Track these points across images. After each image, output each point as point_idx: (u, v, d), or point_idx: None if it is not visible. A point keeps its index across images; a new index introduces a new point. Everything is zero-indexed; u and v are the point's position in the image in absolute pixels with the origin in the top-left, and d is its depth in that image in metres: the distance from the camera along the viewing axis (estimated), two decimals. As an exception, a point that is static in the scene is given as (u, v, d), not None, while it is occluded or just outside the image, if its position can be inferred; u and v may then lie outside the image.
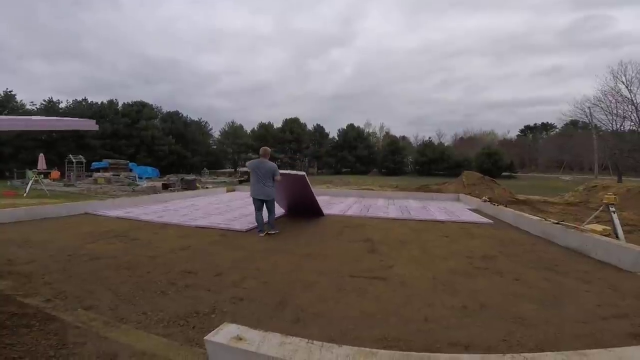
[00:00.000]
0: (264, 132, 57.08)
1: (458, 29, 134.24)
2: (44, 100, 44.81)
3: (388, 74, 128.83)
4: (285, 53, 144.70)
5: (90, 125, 3.53)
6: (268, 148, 6.11)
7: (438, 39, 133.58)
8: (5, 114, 40.93)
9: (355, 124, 63.80)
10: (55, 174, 25.23)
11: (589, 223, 5.77)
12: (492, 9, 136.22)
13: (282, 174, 6.06)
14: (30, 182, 16.55)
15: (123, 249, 4.79)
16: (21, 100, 42.61)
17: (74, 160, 26.05)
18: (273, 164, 5.80)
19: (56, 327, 2.36)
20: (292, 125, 58.28)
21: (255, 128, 60.34)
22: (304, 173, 6.69)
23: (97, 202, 9.43)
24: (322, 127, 63.15)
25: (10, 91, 41.78)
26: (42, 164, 17.41)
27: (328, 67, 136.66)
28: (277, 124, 60.43)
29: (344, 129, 62.46)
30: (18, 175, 26.20)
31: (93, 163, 30.54)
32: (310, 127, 62.02)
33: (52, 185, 19.33)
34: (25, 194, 14.44)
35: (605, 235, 4.87)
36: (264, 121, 60.82)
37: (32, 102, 43.93)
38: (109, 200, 10.14)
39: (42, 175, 19.15)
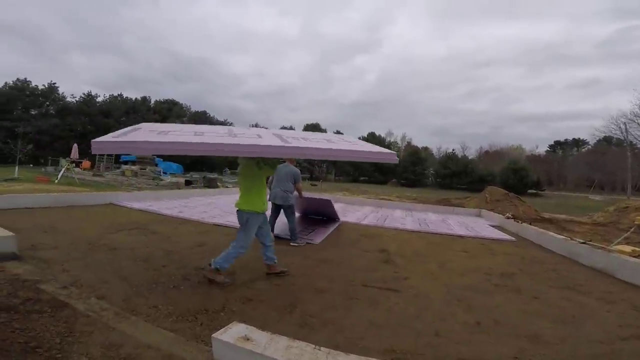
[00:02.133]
0: (286, 136, 57.68)
1: (489, 37, 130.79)
2: (83, 94, 47.44)
3: (413, 82, 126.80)
4: (310, 57, 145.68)
5: (391, 158, 3.21)
6: None
7: (468, 47, 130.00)
8: (47, 106, 43.38)
9: (377, 133, 63.51)
10: (86, 163, 26.38)
11: (618, 244, 5.49)
12: (526, 18, 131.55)
13: (308, 198, 6.05)
14: (63, 170, 17.34)
15: (142, 241, 4.91)
16: (62, 93, 45.20)
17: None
18: (294, 169, 5.55)
19: (67, 315, 2.40)
20: (312, 131, 58.64)
21: (277, 131, 61.16)
22: (329, 199, 7.02)
23: (122, 193, 9.75)
24: (342, 133, 63.04)
25: (53, 83, 44.36)
26: (75, 153, 18.15)
27: (352, 73, 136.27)
28: (298, 129, 60.99)
29: (364, 137, 62.13)
30: (52, 162, 27.65)
31: (122, 156, 31.62)
32: (330, 133, 62.17)
33: (82, 174, 20.16)
34: (56, 181, 15.14)
35: (634, 257, 4.61)
36: (285, 125, 61.74)
37: (72, 94, 46.56)
38: (134, 192, 10.47)
39: (74, 164, 20.06)
